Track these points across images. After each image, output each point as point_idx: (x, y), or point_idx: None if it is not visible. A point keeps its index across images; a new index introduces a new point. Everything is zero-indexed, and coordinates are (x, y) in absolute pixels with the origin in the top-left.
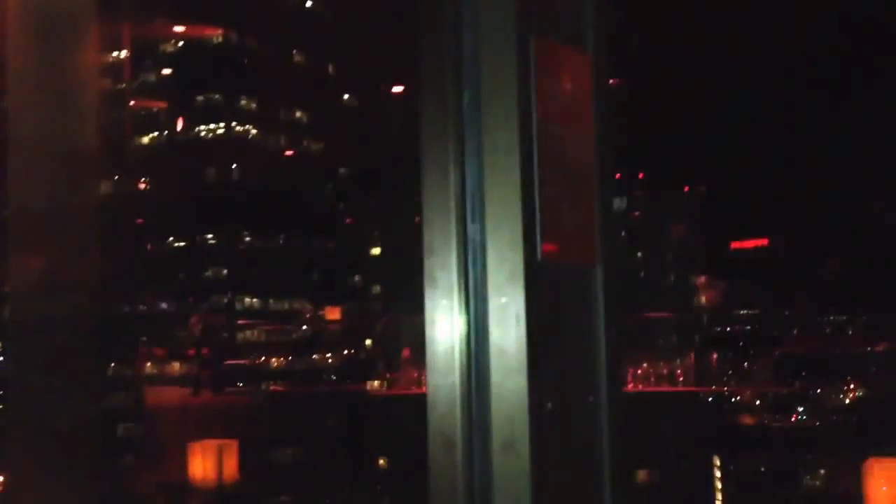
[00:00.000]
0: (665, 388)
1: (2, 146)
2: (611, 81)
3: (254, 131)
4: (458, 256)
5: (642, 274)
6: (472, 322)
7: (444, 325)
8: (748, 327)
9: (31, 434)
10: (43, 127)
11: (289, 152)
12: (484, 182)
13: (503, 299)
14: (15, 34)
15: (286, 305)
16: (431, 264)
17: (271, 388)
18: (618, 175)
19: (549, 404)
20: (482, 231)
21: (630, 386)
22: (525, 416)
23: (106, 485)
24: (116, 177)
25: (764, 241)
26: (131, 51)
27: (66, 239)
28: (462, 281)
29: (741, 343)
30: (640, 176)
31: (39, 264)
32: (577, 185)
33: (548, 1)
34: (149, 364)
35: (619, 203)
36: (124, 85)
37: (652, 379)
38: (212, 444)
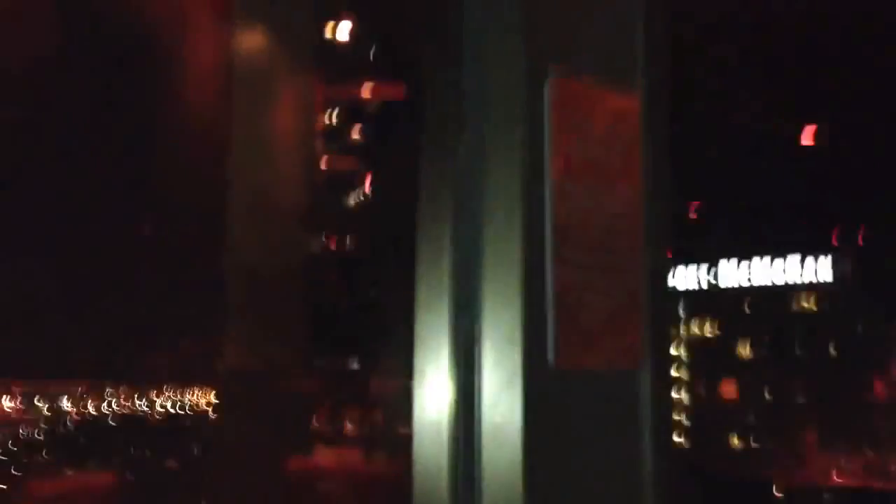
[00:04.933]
0: None
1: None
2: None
3: None
4: (451, 356)
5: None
6: (462, 442)
7: (434, 441)
8: None
9: (237, 485)
10: (257, 189)
11: None
12: (482, 258)
13: (497, 417)
14: (235, 106)
15: None
16: (421, 362)
17: None
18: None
19: None
20: (478, 324)
21: (850, 481)
22: None
23: None
24: (322, 236)
25: None
26: (336, 112)
27: (276, 297)
28: (455, 386)
29: None
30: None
31: (252, 320)
32: (614, 265)
33: (575, 30)
34: (337, 423)
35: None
36: (330, 145)
37: (879, 472)
38: None
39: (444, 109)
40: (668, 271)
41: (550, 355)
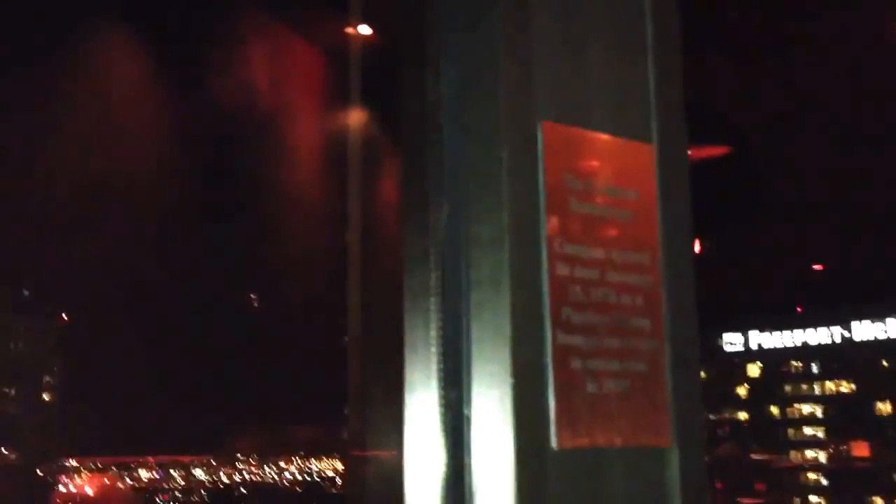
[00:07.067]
0: None
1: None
2: None
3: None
4: (441, 435)
5: None
6: None
7: None
8: None
9: None
10: (371, 263)
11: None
12: (469, 330)
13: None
14: (349, 180)
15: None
16: (411, 441)
17: None
18: None
19: None
20: (467, 401)
21: None
22: None
23: None
24: None
25: None
26: None
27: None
28: (445, 468)
29: None
30: None
31: (371, 392)
32: (630, 328)
33: (569, 83)
34: None
35: None
36: None
37: None
38: None
39: (423, 178)
40: (696, 335)
41: (551, 432)
